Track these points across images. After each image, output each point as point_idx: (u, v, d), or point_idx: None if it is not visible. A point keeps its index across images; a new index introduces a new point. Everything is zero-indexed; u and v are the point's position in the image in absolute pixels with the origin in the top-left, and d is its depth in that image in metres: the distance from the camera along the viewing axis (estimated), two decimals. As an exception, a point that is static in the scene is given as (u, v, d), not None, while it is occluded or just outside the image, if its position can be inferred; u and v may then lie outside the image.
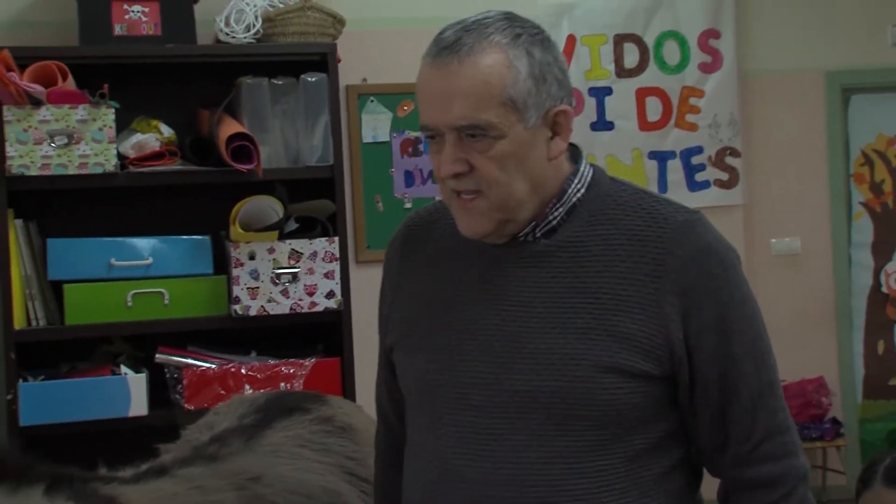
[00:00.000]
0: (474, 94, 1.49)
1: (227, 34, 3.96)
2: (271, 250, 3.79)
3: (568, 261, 1.55)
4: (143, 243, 3.79)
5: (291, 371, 3.79)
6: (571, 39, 4.86)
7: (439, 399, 1.58)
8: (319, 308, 3.84)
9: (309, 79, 3.93)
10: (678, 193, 4.87)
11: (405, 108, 4.46)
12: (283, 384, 3.75)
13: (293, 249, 3.82)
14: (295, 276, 3.81)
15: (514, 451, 1.52)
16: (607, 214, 1.57)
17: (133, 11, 3.81)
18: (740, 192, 5.01)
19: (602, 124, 4.92)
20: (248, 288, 3.78)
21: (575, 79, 4.87)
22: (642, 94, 4.95)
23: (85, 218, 3.93)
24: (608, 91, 4.92)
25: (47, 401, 3.62)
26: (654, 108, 4.96)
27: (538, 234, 1.58)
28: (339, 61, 3.99)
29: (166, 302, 3.76)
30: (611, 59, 4.92)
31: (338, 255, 3.85)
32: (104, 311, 3.71)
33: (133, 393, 3.68)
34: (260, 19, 3.97)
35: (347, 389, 3.81)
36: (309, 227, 3.93)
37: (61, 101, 3.63)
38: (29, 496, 1.75)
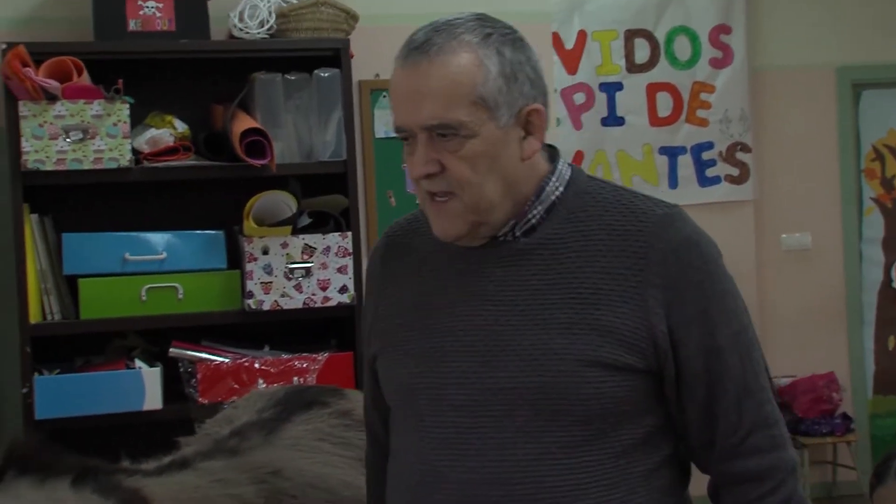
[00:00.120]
0: (444, 94, 1.49)
1: (241, 30, 3.97)
2: (284, 245, 3.81)
3: (548, 258, 1.55)
4: (158, 238, 3.81)
5: (304, 365, 3.81)
6: (582, 35, 4.87)
7: (422, 401, 1.58)
8: (332, 303, 3.85)
9: (322, 74, 3.94)
10: (688, 189, 4.88)
11: (417, 103, 4.46)
12: (296, 378, 3.77)
13: (306, 244, 3.83)
14: (308, 271, 3.83)
15: (500, 450, 1.51)
16: (587, 211, 1.57)
17: (147, 7, 3.83)
18: (751, 188, 5.01)
19: (613, 120, 4.92)
20: (261, 282, 3.79)
21: (586, 74, 4.88)
22: (653, 89, 4.96)
23: (99, 213, 3.95)
24: (619, 86, 4.93)
25: (62, 394, 3.64)
26: (664, 104, 4.96)
27: (518, 234, 1.58)
28: (352, 57, 4.00)
29: (180, 296, 3.78)
30: (621, 54, 4.92)
31: (351, 250, 3.86)
32: (118, 306, 3.73)
33: (147, 387, 3.70)
34: (273, 15, 3.99)
35: (360, 384, 3.82)
36: (322, 222, 3.94)
37: (76, 97, 3.65)
38: (55, 488, 1.77)
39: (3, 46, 3.65)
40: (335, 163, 3.95)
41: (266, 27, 3.98)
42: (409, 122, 1.52)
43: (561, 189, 1.59)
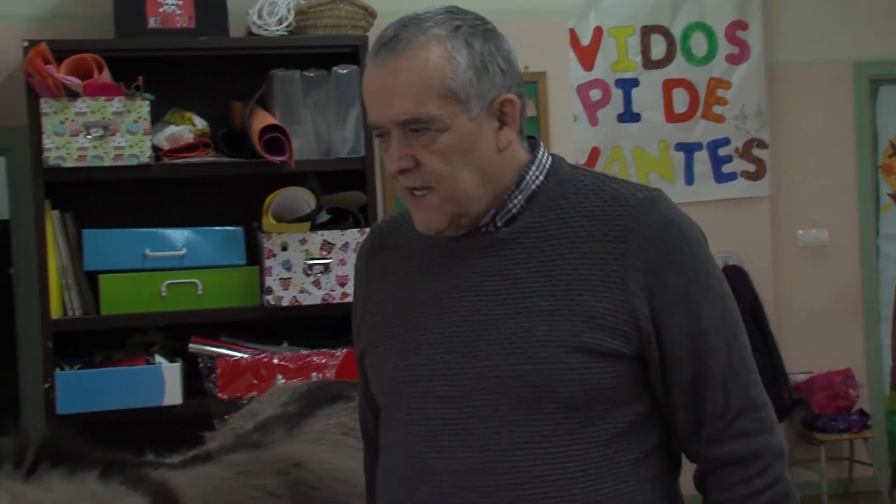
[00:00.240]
0: (413, 88, 1.49)
1: (260, 27, 3.99)
2: (303, 241, 3.83)
3: (529, 246, 1.55)
4: (177, 234, 3.83)
5: (323, 361, 3.82)
6: (598, 31, 4.87)
7: (409, 395, 1.58)
8: (350, 299, 3.85)
9: (340, 71, 3.96)
10: (705, 185, 4.88)
11: (434, 99, 4.48)
12: (314, 374, 3.78)
13: (325, 240, 3.85)
14: (327, 267, 3.85)
15: (485, 440, 1.51)
16: (567, 199, 1.57)
17: (167, 4, 3.85)
18: (767, 184, 5.01)
19: (629, 116, 4.93)
20: (280, 278, 3.81)
21: (602, 70, 4.88)
22: (669, 85, 4.96)
23: (120, 209, 3.98)
24: (635, 83, 4.93)
25: (83, 390, 3.67)
26: (681, 100, 4.97)
27: (499, 223, 1.58)
28: (370, 53, 4.01)
29: (200, 292, 3.80)
30: (638, 50, 4.93)
31: (369, 246, 3.87)
32: (139, 302, 3.76)
33: (167, 382, 3.73)
34: (292, 12, 4.01)
35: (379, 379, 3.84)
36: (340, 218, 3.96)
37: (97, 94, 3.68)
38: (84, 480, 1.79)
39: (25, 44, 3.68)
40: (354, 159, 3.97)
41: (285, 24, 4.00)
42: (381, 119, 1.53)
43: (541, 178, 1.59)
